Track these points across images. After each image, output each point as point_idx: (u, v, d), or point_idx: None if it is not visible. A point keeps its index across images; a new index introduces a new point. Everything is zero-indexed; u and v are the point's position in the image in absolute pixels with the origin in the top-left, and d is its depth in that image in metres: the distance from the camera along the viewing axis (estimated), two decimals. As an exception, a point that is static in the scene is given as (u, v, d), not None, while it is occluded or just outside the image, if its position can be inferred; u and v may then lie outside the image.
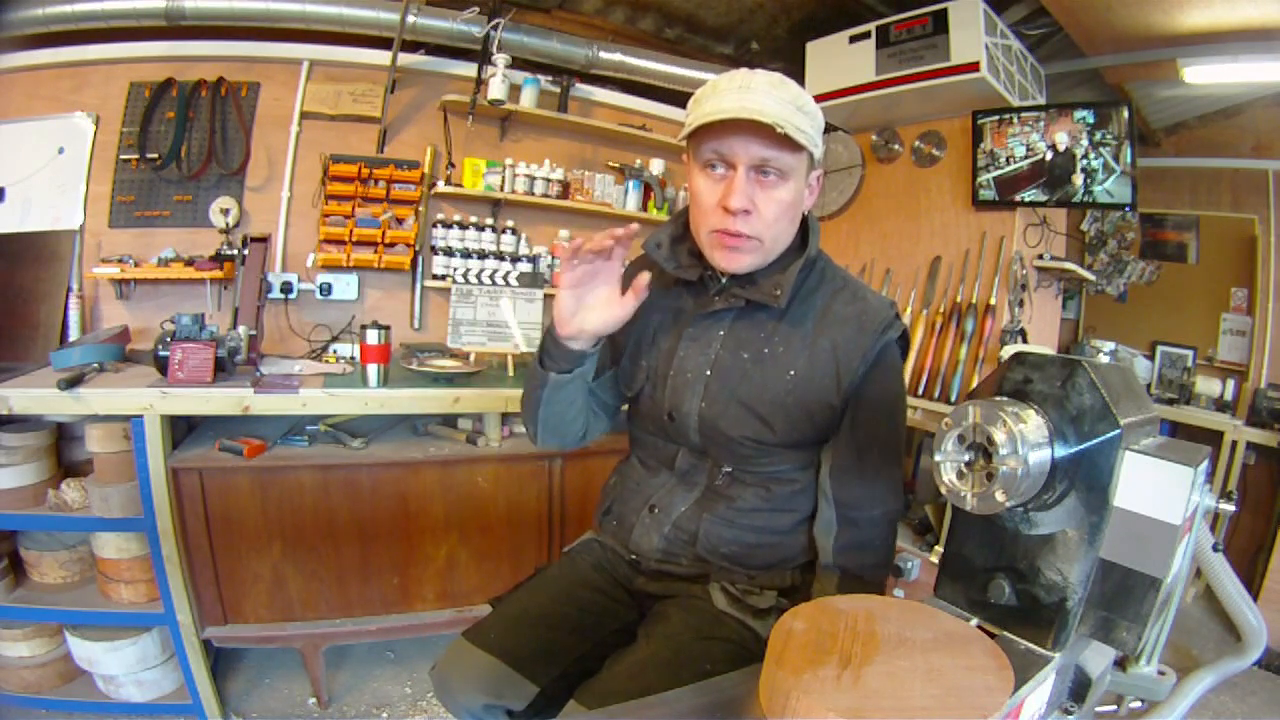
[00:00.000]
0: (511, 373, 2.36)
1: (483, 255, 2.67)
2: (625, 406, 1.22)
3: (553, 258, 2.82)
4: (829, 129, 2.97)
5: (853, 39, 2.56)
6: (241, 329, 1.93)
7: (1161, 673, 0.95)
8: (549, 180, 2.73)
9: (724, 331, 1.06)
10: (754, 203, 0.96)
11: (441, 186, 2.59)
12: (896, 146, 2.78)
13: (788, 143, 0.92)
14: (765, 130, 0.90)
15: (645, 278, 0.97)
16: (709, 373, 1.05)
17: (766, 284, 1.02)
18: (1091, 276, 3.01)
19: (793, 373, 1.02)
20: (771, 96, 0.92)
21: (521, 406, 1.14)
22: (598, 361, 1.11)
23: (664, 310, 1.13)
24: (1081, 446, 0.61)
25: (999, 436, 0.59)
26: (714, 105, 0.93)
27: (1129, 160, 2.20)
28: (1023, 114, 2.36)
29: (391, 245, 2.53)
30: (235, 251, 2.20)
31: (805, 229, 1.07)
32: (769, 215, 0.97)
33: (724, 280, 1.06)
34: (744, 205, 0.95)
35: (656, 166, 2.92)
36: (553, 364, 1.04)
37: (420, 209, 2.61)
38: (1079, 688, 0.70)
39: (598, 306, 0.98)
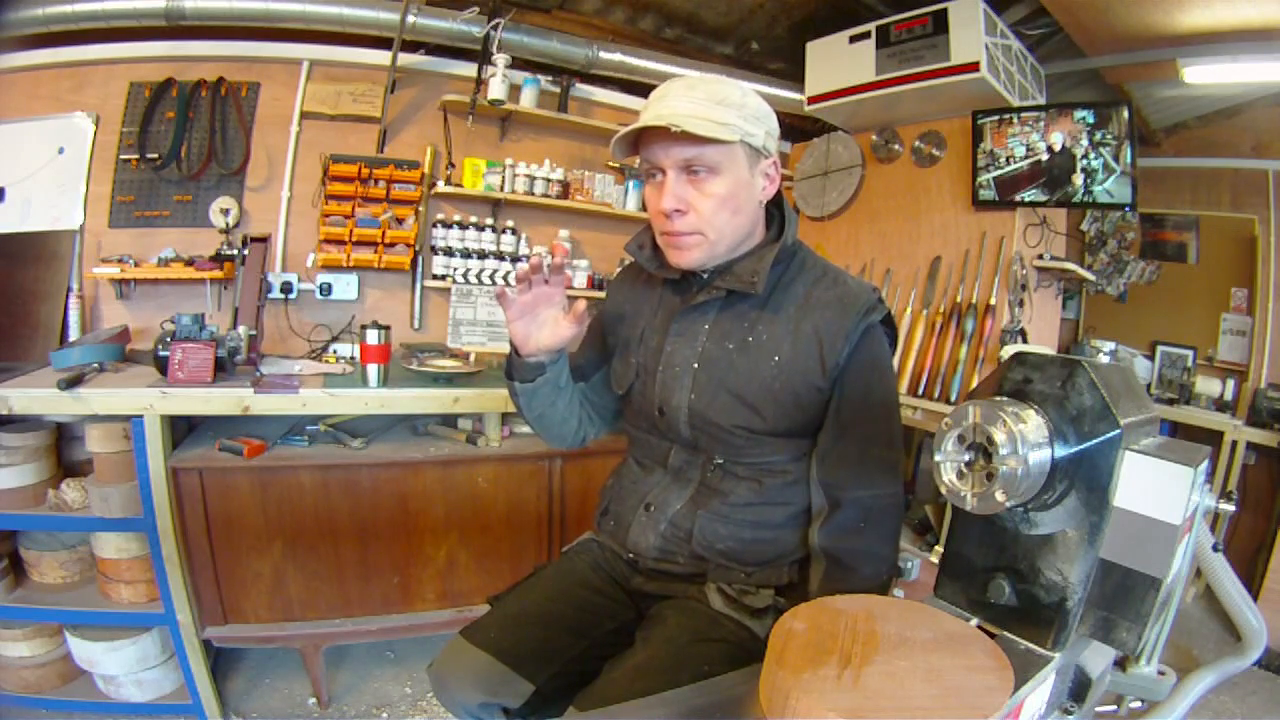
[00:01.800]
0: (511, 373, 2.36)
1: (483, 255, 2.67)
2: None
3: (553, 256, 2.82)
4: (829, 129, 2.97)
5: (853, 39, 2.56)
6: (241, 329, 1.93)
7: (1161, 673, 0.95)
8: (549, 180, 2.73)
9: (709, 324, 1.08)
10: (687, 201, 1.00)
11: (441, 186, 2.59)
12: (896, 146, 2.78)
13: (707, 139, 0.94)
14: (678, 132, 0.94)
15: (581, 305, 1.05)
16: (696, 365, 1.07)
17: (743, 272, 1.04)
18: (1091, 276, 3.01)
19: (777, 358, 1.03)
20: (685, 98, 0.96)
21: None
22: (590, 367, 1.23)
23: (651, 309, 1.16)
24: (1081, 446, 0.61)
25: (999, 436, 0.59)
26: (638, 120, 0.98)
27: (1129, 160, 2.20)
28: (1023, 114, 2.36)
29: (391, 245, 2.53)
30: (235, 251, 2.20)
31: (782, 220, 1.10)
32: (705, 210, 1.00)
33: (705, 275, 1.08)
34: (674, 205, 0.99)
35: (656, 166, 2.92)
36: (516, 374, 1.13)
37: (420, 209, 2.61)
38: (1079, 688, 0.70)
39: (547, 327, 1.07)
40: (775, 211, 1.11)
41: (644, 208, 2.88)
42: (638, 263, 1.16)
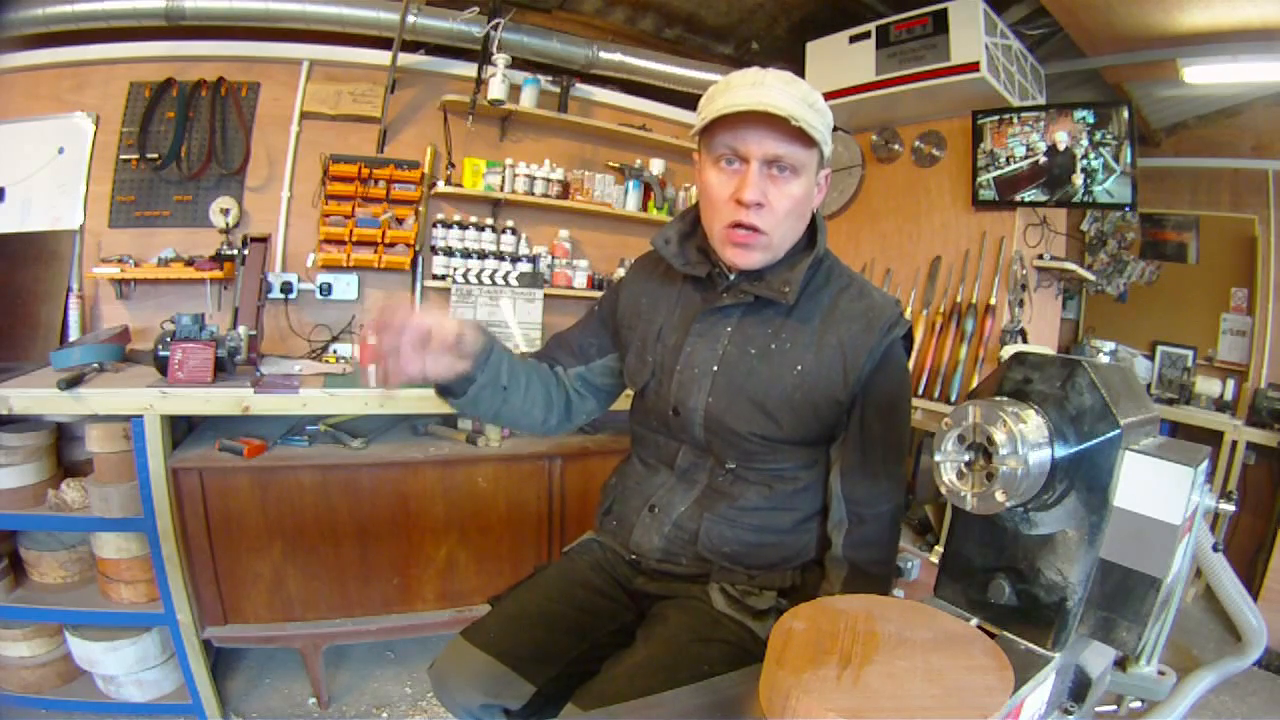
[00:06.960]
0: (511, 373, 2.36)
1: (483, 255, 2.67)
2: (630, 396, 1.22)
3: (553, 258, 2.82)
4: (829, 129, 2.97)
5: (853, 39, 2.56)
6: (241, 329, 1.93)
7: (1161, 673, 0.95)
8: (549, 180, 2.73)
9: (731, 328, 1.06)
10: (766, 196, 0.97)
11: (441, 186, 2.59)
12: (896, 146, 2.78)
13: (800, 138, 0.93)
14: (779, 125, 0.92)
15: (446, 330, 0.90)
16: (716, 368, 1.05)
17: (775, 280, 1.03)
18: (1091, 276, 3.00)
19: (799, 368, 1.02)
20: (784, 93, 0.93)
21: None
22: (592, 349, 1.20)
23: (670, 305, 1.14)
24: (1081, 446, 0.61)
25: (999, 436, 0.59)
26: (728, 100, 0.94)
27: (1129, 160, 2.20)
28: (1023, 114, 2.36)
29: (391, 245, 2.53)
30: (235, 251, 2.20)
31: (813, 227, 1.08)
32: (780, 210, 0.98)
33: (732, 276, 1.06)
34: (757, 198, 0.96)
35: (656, 166, 2.92)
36: (447, 391, 1.02)
37: (420, 209, 2.61)
38: (1079, 688, 0.70)
39: (435, 360, 0.92)
40: None
41: (643, 207, 2.90)
42: (656, 255, 1.14)
